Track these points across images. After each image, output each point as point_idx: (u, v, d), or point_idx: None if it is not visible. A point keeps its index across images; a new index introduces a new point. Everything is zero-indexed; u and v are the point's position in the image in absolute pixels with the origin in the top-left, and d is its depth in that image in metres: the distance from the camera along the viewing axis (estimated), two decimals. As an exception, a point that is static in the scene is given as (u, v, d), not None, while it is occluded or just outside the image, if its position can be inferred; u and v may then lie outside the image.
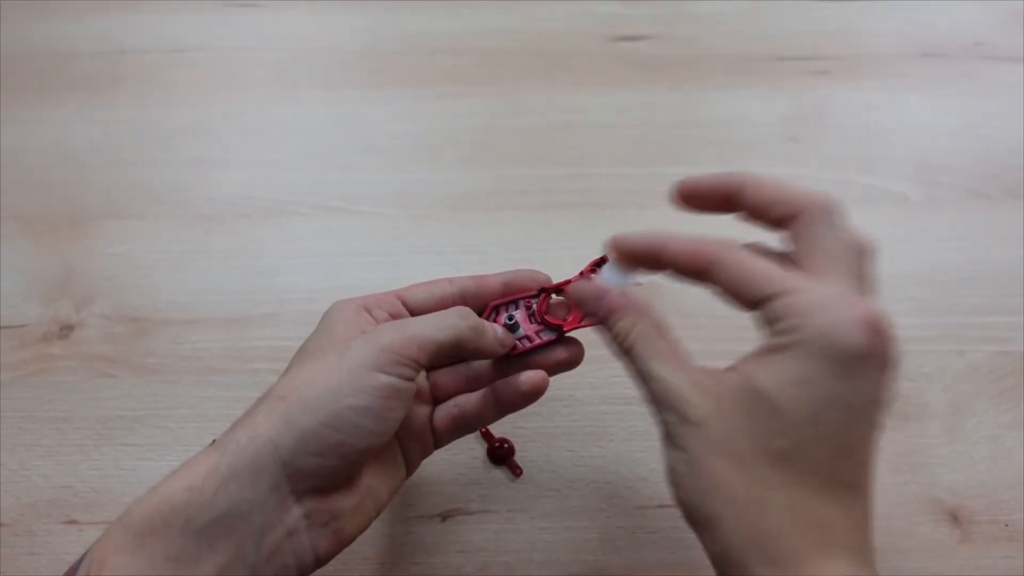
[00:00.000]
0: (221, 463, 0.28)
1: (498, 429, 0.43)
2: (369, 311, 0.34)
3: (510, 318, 0.36)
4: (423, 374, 0.33)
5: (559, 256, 0.50)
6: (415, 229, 0.51)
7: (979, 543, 0.41)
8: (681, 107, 0.57)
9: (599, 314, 0.32)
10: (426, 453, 0.36)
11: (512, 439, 0.43)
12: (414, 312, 0.35)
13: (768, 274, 0.28)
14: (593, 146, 0.55)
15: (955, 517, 0.41)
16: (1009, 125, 0.56)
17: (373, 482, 0.32)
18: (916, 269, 0.50)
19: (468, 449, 0.43)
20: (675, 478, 0.28)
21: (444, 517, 0.41)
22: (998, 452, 0.43)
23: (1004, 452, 0.43)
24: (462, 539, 0.41)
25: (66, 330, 0.47)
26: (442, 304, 0.35)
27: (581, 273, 0.36)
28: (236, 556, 0.28)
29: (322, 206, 0.52)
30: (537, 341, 0.36)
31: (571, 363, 0.36)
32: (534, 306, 0.36)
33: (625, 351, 0.30)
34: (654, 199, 0.53)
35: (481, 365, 0.36)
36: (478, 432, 0.43)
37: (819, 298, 0.26)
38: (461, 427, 0.36)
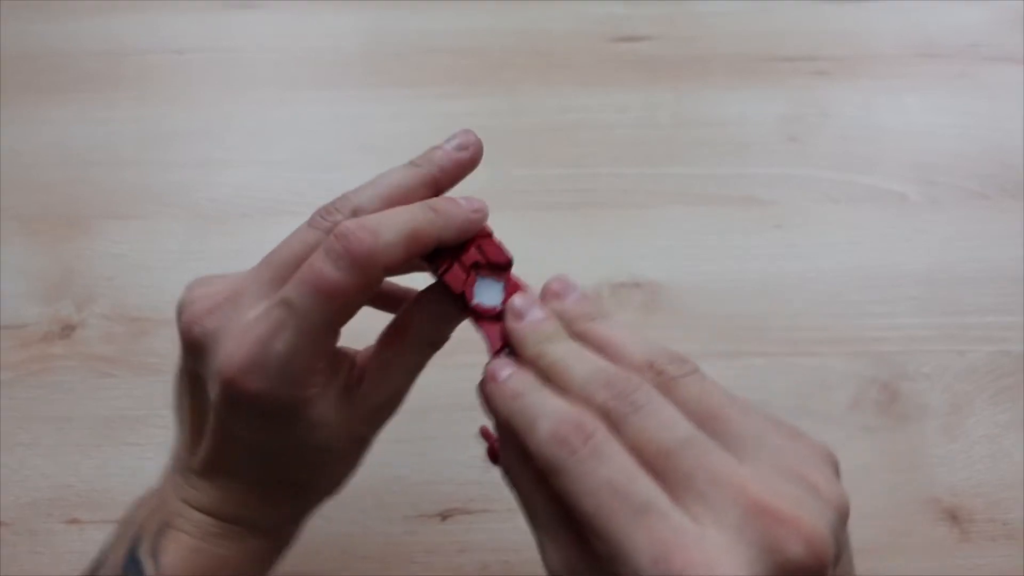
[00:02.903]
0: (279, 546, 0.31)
1: (498, 429, 0.43)
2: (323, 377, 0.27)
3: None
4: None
5: (559, 256, 0.50)
6: (415, 229, 0.51)
7: (978, 542, 0.41)
8: (681, 107, 0.57)
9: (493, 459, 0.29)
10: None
11: (512, 439, 0.43)
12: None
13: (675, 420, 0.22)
14: (593, 146, 0.55)
15: (954, 516, 0.41)
16: (1008, 125, 0.56)
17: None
18: (916, 269, 0.50)
19: (468, 449, 0.43)
20: None
21: (444, 517, 0.41)
22: (997, 452, 0.43)
23: (1003, 452, 0.43)
24: (462, 539, 0.41)
25: (67, 330, 0.47)
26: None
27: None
28: None
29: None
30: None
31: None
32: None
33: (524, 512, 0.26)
34: (654, 199, 0.53)
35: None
36: (478, 432, 0.43)
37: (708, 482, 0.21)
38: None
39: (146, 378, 0.46)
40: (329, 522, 0.41)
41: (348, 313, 0.26)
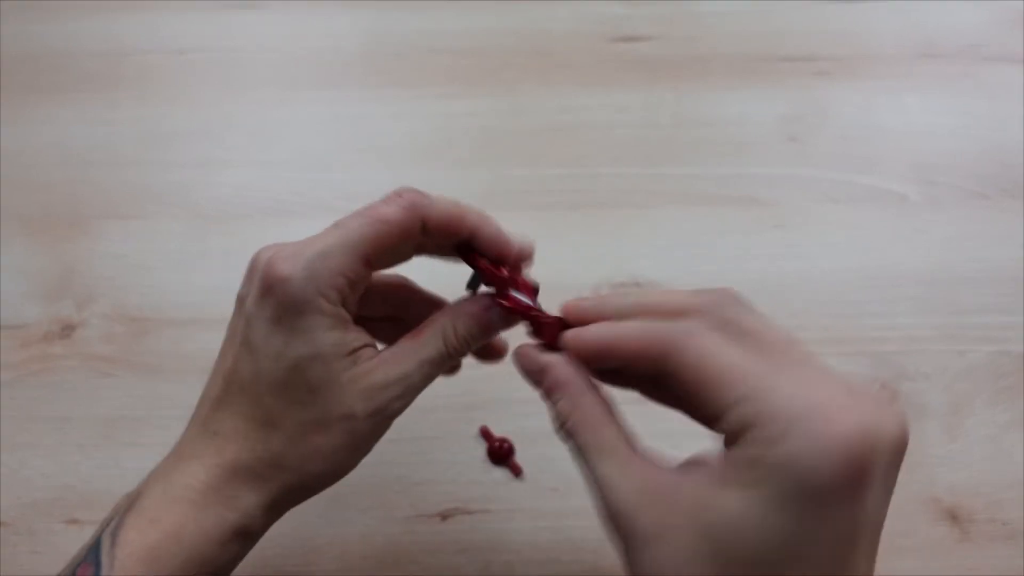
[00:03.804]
0: (232, 521, 0.29)
1: (498, 429, 0.43)
2: (342, 295, 0.30)
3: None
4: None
5: (559, 256, 0.50)
6: (415, 229, 0.51)
7: (978, 542, 0.41)
8: (681, 107, 0.57)
9: (541, 388, 0.29)
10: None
11: (512, 439, 0.43)
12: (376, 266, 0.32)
13: (731, 373, 0.24)
14: (593, 146, 0.55)
15: (954, 516, 0.41)
16: (1008, 125, 0.56)
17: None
18: (915, 269, 0.50)
19: (468, 449, 0.43)
20: None
21: (444, 517, 0.41)
22: (997, 451, 0.43)
23: (1003, 451, 0.43)
24: (462, 539, 0.41)
25: (67, 330, 0.47)
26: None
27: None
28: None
29: (322, 206, 0.52)
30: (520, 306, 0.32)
31: (500, 354, 0.36)
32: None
33: (567, 436, 0.28)
34: (654, 199, 0.53)
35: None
36: (478, 432, 0.43)
37: (789, 408, 0.23)
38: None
39: (146, 378, 0.46)
40: (329, 522, 0.41)
41: (382, 247, 0.30)
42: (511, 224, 0.52)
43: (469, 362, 0.45)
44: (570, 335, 0.29)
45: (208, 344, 0.47)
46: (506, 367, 0.45)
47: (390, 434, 0.43)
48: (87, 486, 0.43)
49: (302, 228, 0.51)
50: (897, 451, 0.23)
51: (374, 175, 0.54)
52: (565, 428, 0.28)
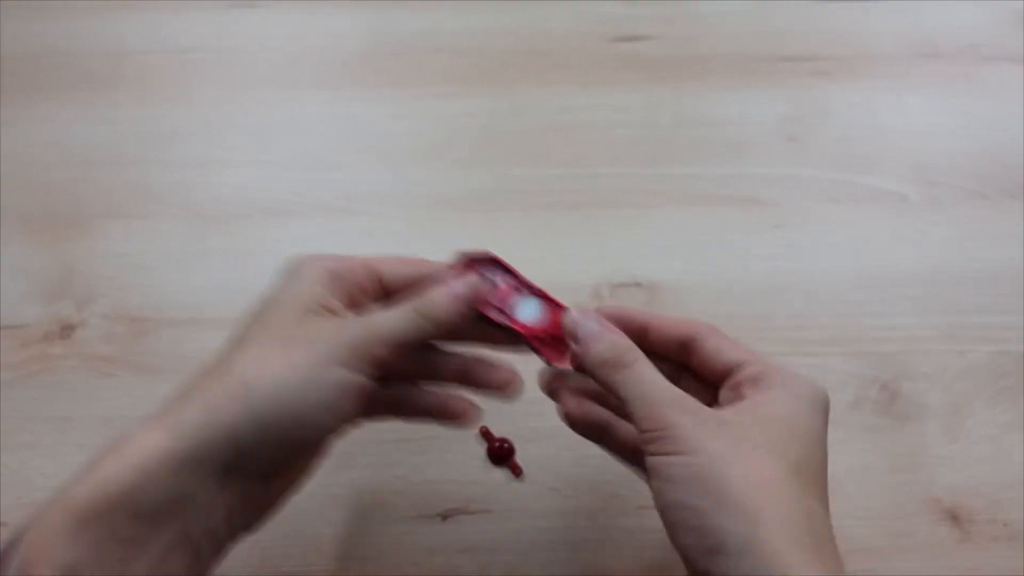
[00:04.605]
0: (176, 447, 0.27)
1: (498, 429, 0.43)
2: (338, 276, 0.33)
3: (489, 275, 0.34)
4: (370, 388, 0.32)
5: (559, 256, 0.50)
6: (415, 229, 0.51)
7: (978, 543, 0.41)
8: (681, 107, 0.57)
9: (579, 340, 0.32)
10: (355, 426, 0.36)
11: (512, 439, 0.43)
12: (387, 289, 0.34)
13: (738, 346, 0.33)
14: (593, 146, 0.55)
15: (954, 517, 0.41)
16: (1008, 125, 0.56)
17: (308, 463, 0.33)
18: (916, 269, 0.50)
19: (468, 449, 0.43)
20: (688, 490, 0.27)
21: (444, 517, 0.41)
22: (997, 452, 0.43)
23: (1003, 452, 0.43)
24: (462, 539, 0.41)
25: (67, 330, 0.47)
26: (417, 285, 0.34)
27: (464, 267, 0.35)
28: (181, 535, 0.28)
29: (322, 206, 0.52)
30: (494, 318, 0.34)
31: (512, 391, 0.35)
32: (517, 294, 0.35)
33: (619, 369, 0.31)
34: (654, 199, 0.53)
35: (436, 361, 0.35)
36: (478, 432, 0.43)
37: (783, 369, 0.32)
38: (396, 412, 0.36)
39: (146, 378, 0.46)
40: (329, 522, 0.41)
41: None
42: (511, 224, 0.52)
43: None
44: (620, 310, 0.34)
45: (208, 344, 0.47)
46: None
47: (390, 434, 0.43)
48: (87, 486, 0.43)
49: (302, 228, 0.52)
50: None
51: (374, 175, 0.54)
52: (623, 360, 0.31)
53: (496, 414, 0.44)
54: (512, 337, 0.34)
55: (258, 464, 0.29)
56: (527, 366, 0.35)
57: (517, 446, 0.43)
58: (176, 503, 0.28)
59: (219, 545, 0.30)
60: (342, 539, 0.41)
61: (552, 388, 0.35)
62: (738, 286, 0.49)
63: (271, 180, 0.54)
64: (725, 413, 0.30)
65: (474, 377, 0.35)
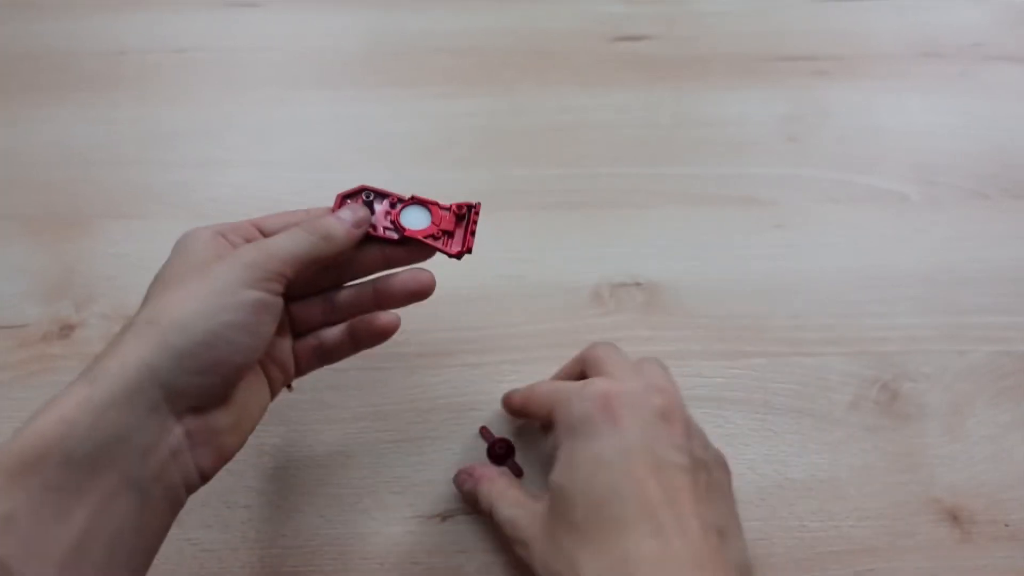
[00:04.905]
0: (94, 394, 0.28)
1: (497, 429, 0.43)
2: (224, 236, 0.35)
3: (368, 200, 0.37)
4: (281, 305, 0.34)
5: (559, 256, 0.50)
6: (415, 229, 0.51)
7: (979, 543, 0.41)
8: (681, 107, 0.57)
9: (464, 488, 0.40)
10: (287, 381, 0.37)
11: (512, 439, 0.43)
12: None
13: (550, 391, 0.38)
14: (593, 146, 0.55)
15: (955, 517, 0.41)
16: (1009, 125, 0.56)
17: (246, 399, 0.33)
18: (916, 269, 0.50)
19: (468, 449, 0.43)
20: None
21: (444, 517, 0.41)
22: (998, 452, 0.43)
23: (1004, 452, 0.43)
24: (462, 539, 0.41)
25: (66, 330, 0.47)
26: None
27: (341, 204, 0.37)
28: (121, 480, 0.28)
29: (322, 206, 0.52)
30: (381, 234, 0.36)
31: (420, 290, 0.37)
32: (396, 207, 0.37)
33: (488, 509, 0.38)
34: (654, 199, 0.53)
35: (340, 297, 0.38)
36: (478, 432, 0.43)
37: (566, 394, 0.35)
38: (321, 358, 0.38)
39: (146, 378, 0.45)
40: (329, 522, 0.41)
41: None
42: (511, 224, 0.52)
43: (470, 360, 0.45)
44: (511, 396, 0.42)
45: (208, 344, 0.47)
46: (506, 367, 0.45)
47: (390, 434, 0.43)
48: (87, 486, 0.42)
49: (302, 228, 0.51)
50: (638, 396, 0.34)
51: (374, 175, 0.54)
52: (487, 502, 0.38)
53: (496, 415, 0.44)
54: (411, 248, 0.37)
55: (188, 396, 0.30)
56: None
57: (517, 446, 0.43)
58: (108, 447, 0.28)
59: (173, 493, 0.30)
60: (342, 539, 0.41)
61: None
62: (738, 286, 0.49)
63: (271, 180, 0.53)
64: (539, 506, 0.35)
65: (384, 288, 0.37)
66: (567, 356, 0.41)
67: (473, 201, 0.38)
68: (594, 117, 0.57)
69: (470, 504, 0.40)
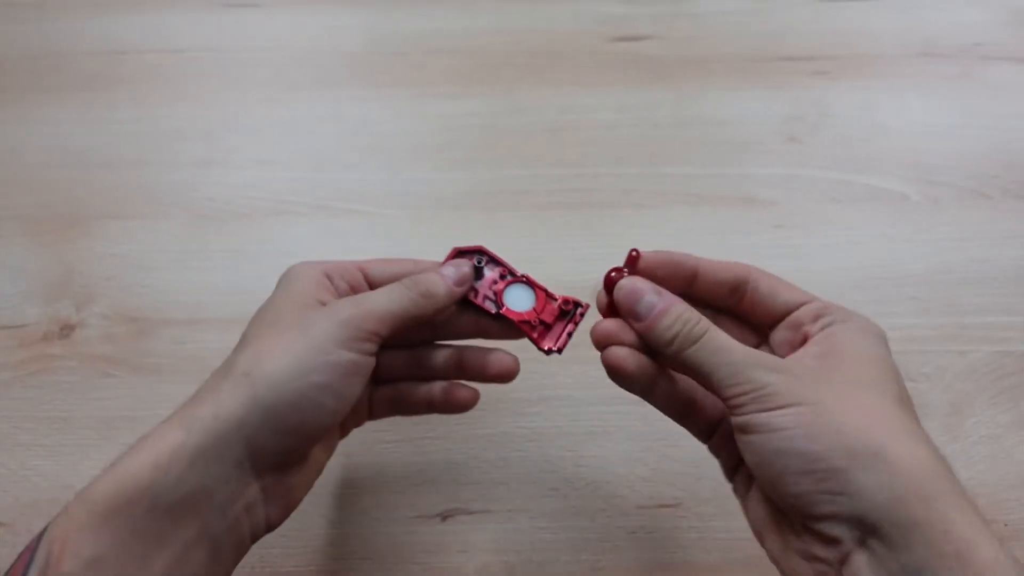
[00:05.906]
0: (188, 442, 0.28)
1: (498, 429, 0.43)
2: (330, 278, 0.34)
3: (479, 264, 0.36)
4: (372, 365, 0.33)
5: (559, 256, 0.50)
6: (415, 229, 0.51)
7: (979, 543, 0.41)
8: (681, 107, 0.57)
9: (642, 316, 0.31)
10: (358, 425, 0.37)
11: (511, 439, 0.43)
12: (374, 286, 0.35)
13: (792, 286, 0.33)
14: (593, 146, 0.55)
15: (955, 517, 0.41)
16: (1009, 125, 0.56)
17: (319, 453, 0.33)
18: (916, 269, 0.50)
19: (468, 449, 0.43)
20: (794, 436, 0.27)
21: (444, 517, 0.41)
22: (998, 452, 0.43)
23: (1004, 452, 0.43)
24: (462, 539, 0.41)
25: (66, 330, 0.47)
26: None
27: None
28: (201, 531, 0.28)
29: (322, 206, 0.52)
30: (480, 303, 0.35)
31: (506, 375, 0.35)
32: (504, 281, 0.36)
33: (692, 341, 0.30)
34: (654, 199, 0.53)
35: (427, 357, 0.36)
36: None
37: (839, 306, 0.32)
38: (396, 408, 0.37)
39: (146, 378, 0.45)
40: (329, 522, 0.41)
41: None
42: (511, 224, 0.52)
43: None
44: (666, 256, 0.33)
45: (208, 344, 0.47)
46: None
47: (390, 434, 0.43)
48: (87, 486, 0.43)
49: (302, 228, 0.52)
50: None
51: (374, 175, 0.54)
52: (693, 334, 0.30)
53: (496, 415, 0.44)
54: (504, 325, 0.35)
55: (270, 455, 0.30)
56: (526, 360, 0.35)
57: (516, 446, 0.43)
58: (193, 498, 0.28)
59: (240, 543, 0.30)
60: (342, 539, 0.41)
61: (603, 343, 0.33)
62: (738, 286, 0.49)
63: (271, 180, 0.53)
64: (807, 361, 0.29)
65: (470, 363, 0.36)
66: (567, 356, 0.41)
67: (584, 301, 0.36)
68: (594, 117, 0.57)
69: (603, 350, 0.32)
